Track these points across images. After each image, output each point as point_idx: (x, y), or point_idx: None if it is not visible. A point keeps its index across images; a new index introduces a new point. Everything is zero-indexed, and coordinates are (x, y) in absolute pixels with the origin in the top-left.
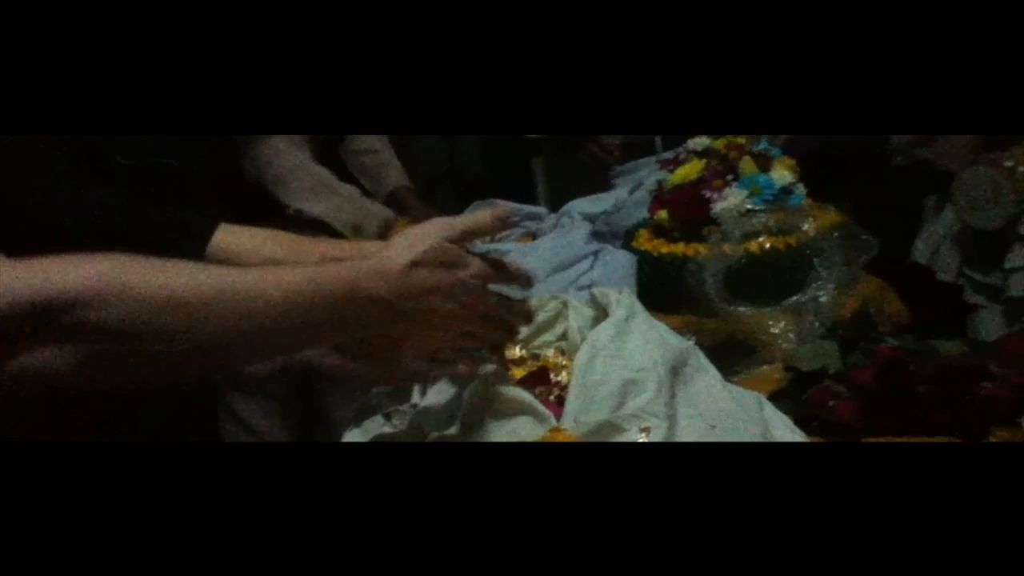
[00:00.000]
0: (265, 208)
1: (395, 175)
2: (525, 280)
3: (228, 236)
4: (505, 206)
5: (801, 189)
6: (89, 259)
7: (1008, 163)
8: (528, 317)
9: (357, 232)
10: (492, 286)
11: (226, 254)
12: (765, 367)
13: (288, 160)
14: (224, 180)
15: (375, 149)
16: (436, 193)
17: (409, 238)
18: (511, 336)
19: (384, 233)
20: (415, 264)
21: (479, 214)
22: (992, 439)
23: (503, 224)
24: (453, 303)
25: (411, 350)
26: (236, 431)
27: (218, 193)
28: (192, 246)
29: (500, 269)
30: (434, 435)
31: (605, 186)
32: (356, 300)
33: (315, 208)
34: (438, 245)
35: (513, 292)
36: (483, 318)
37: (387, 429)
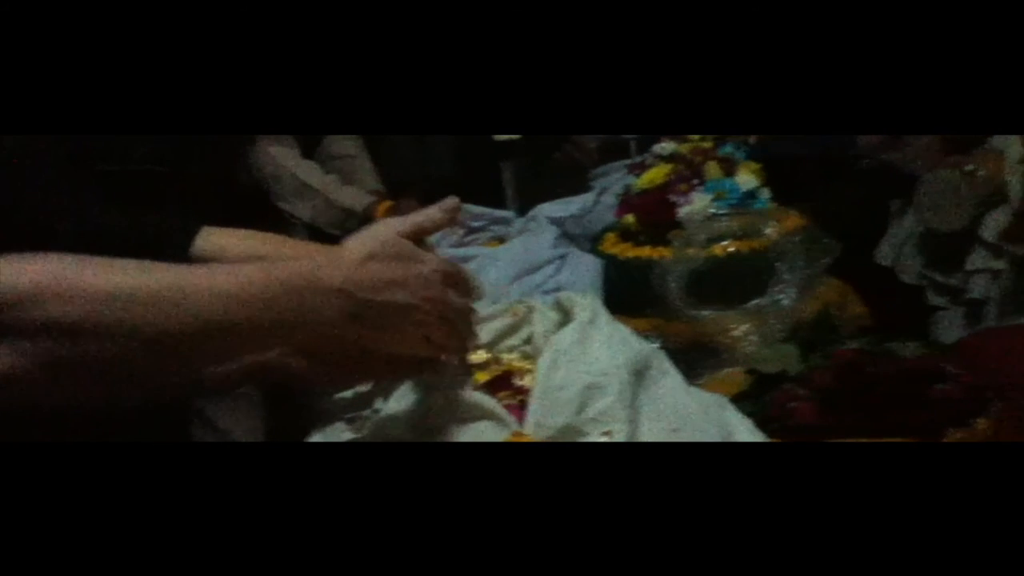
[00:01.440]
0: (260, 211)
1: (369, 180)
2: (477, 291)
3: (211, 239)
4: (456, 201)
5: (765, 193)
6: (36, 258)
7: (969, 167)
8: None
9: (343, 229)
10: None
11: (210, 257)
12: (728, 370)
13: (276, 161)
14: (214, 184)
15: (350, 154)
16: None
17: (364, 234)
18: (471, 341)
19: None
20: (371, 257)
21: (429, 209)
22: (947, 439)
23: (453, 217)
24: (412, 297)
25: (374, 353)
26: (204, 432)
27: (207, 198)
28: (173, 251)
29: (456, 270)
30: (396, 433)
31: (581, 188)
32: (313, 291)
33: (300, 210)
34: (393, 240)
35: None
36: (442, 318)
37: (349, 435)
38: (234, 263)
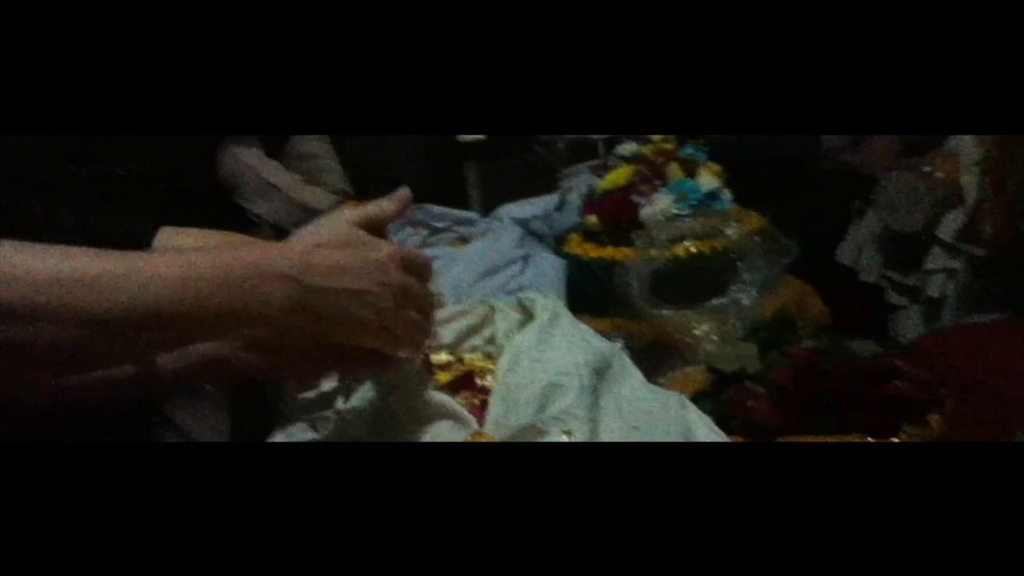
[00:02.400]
0: (224, 211)
1: (335, 180)
2: (433, 277)
3: (171, 238)
4: (407, 192)
5: (727, 194)
6: None
7: (927, 168)
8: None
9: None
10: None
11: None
12: (689, 368)
13: (239, 160)
14: (176, 184)
15: (316, 154)
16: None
17: (314, 224)
18: (430, 330)
19: None
20: (319, 244)
21: (380, 200)
22: (902, 436)
23: (405, 207)
24: (363, 283)
25: (329, 347)
26: (164, 433)
27: (169, 198)
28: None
29: (412, 255)
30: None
31: (547, 189)
32: (259, 278)
33: (262, 209)
34: (344, 228)
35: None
36: (399, 305)
37: (311, 435)
38: (178, 251)
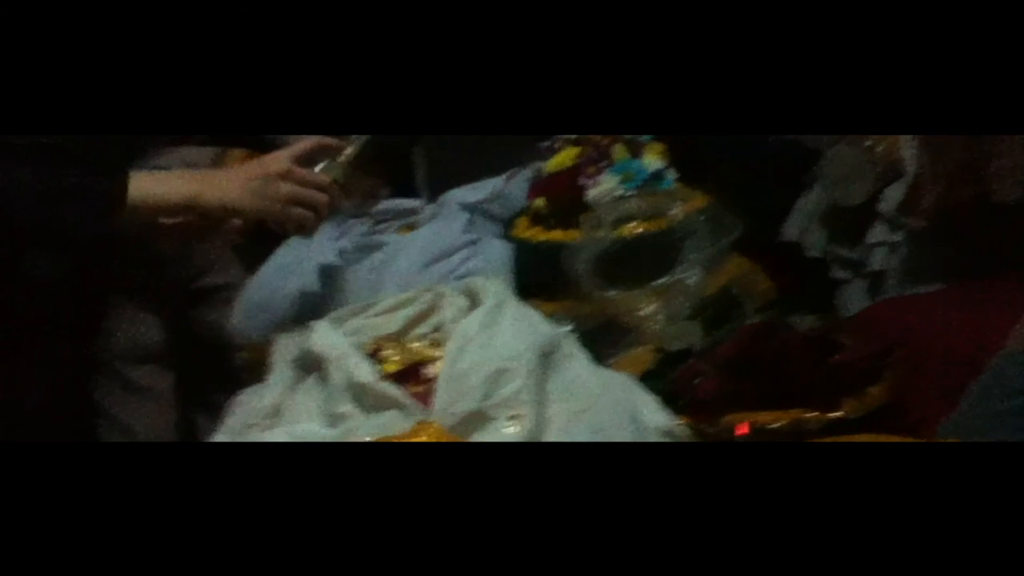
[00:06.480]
0: None
1: None
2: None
3: (141, 185)
4: (323, 140)
5: (672, 174)
6: None
7: (868, 142)
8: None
9: None
10: None
11: (142, 202)
12: (637, 349)
13: None
14: None
15: None
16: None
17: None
18: (326, 196)
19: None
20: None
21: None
22: (843, 408)
23: (322, 150)
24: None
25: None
26: (111, 432)
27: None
28: (108, 203)
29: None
30: (303, 428)
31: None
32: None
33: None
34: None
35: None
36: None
37: (256, 432)
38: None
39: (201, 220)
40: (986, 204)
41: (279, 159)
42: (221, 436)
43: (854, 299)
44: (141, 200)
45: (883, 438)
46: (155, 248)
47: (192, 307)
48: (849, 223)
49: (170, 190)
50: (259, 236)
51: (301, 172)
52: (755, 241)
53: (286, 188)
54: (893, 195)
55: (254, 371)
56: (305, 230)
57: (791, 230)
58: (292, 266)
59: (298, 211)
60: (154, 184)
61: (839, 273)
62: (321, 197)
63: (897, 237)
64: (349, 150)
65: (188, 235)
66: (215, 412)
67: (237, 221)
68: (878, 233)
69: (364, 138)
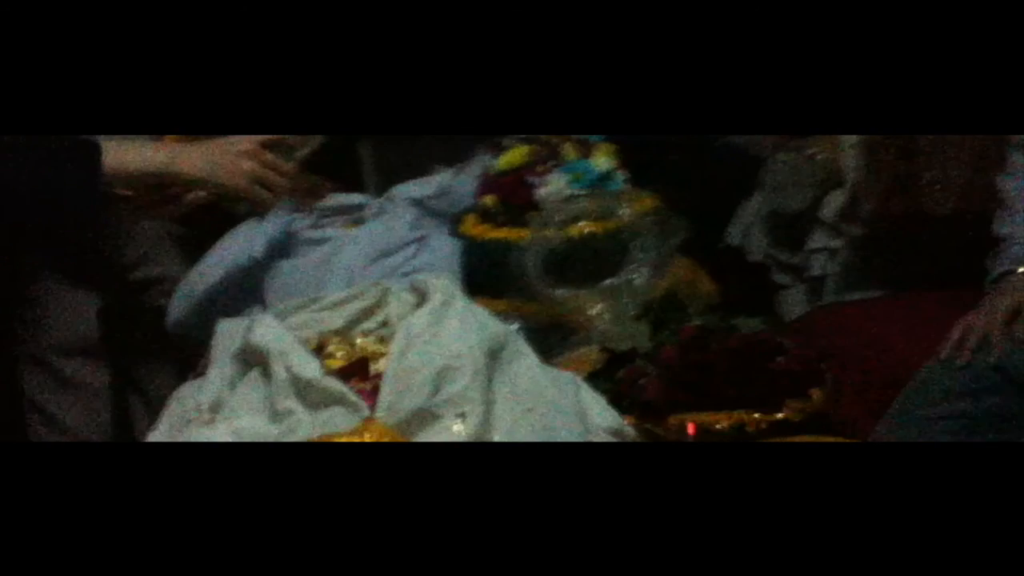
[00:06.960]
0: None
1: None
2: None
3: (115, 155)
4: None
5: (620, 175)
6: None
7: (810, 150)
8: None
9: None
10: None
11: (112, 169)
12: (583, 348)
13: None
14: None
15: None
16: None
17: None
18: (286, 181)
19: None
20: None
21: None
22: (785, 411)
23: (279, 144)
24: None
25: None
26: (43, 430)
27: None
28: (87, 164)
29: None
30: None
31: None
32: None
33: None
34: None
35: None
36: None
37: (196, 427)
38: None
39: (158, 192)
40: (920, 215)
41: (248, 140)
42: (160, 430)
43: (794, 303)
44: (117, 167)
45: (821, 439)
46: (95, 230)
47: (129, 297)
48: (789, 229)
49: (144, 158)
50: (197, 227)
51: (266, 154)
52: (699, 244)
53: (251, 166)
54: (833, 202)
55: (194, 364)
56: (262, 207)
57: (733, 235)
58: (233, 257)
59: (259, 190)
60: (127, 152)
61: (779, 278)
62: (282, 181)
63: (837, 243)
64: (304, 150)
65: (142, 207)
66: (153, 406)
67: (201, 192)
68: (818, 239)
69: (319, 140)
